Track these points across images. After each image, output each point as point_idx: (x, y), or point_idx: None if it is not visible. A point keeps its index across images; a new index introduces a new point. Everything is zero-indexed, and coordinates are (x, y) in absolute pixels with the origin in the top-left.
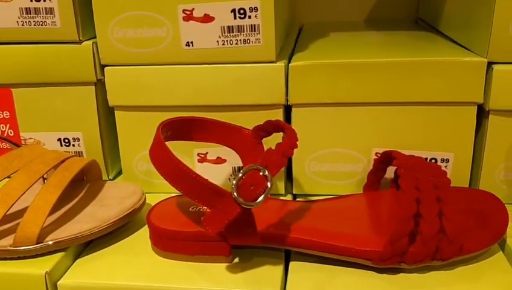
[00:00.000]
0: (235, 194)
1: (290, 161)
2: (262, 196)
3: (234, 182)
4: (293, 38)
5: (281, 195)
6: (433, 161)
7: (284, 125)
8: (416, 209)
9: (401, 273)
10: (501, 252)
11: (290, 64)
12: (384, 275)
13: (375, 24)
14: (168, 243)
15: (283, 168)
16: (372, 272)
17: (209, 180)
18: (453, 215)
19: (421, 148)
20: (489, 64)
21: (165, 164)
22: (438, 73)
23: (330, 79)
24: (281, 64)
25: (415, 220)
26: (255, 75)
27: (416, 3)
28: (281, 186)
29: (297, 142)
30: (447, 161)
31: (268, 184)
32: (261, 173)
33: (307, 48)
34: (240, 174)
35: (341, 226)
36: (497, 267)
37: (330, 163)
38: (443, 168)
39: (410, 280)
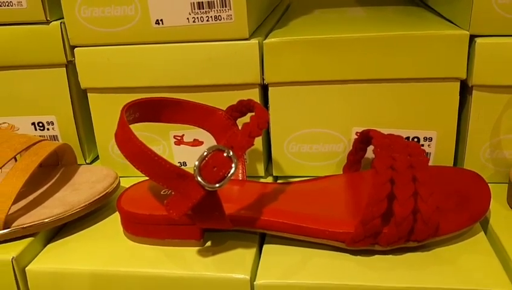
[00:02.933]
0: (198, 177)
1: (269, 142)
2: (227, 177)
3: (196, 163)
4: (278, 16)
5: (261, 177)
6: (415, 139)
7: (254, 104)
8: (390, 190)
9: (376, 255)
10: (482, 232)
11: (264, 42)
12: (359, 257)
13: (365, 0)
14: (139, 228)
15: (262, 148)
16: (347, 254)
17: (186, 162)
18: (429, 196)
19: (403, 126)
20: (472, 37)
21: (128, 146)
22: (418, 48)
23: (307, 56)
24: (254, 41)
25: (389, 201)
26: (228, 53)
27: None
28: (260, 169)
29: (267, 122)
30: (430, 139)
31: (233, 165)
32: (225, 154)
33: (287, 25)
34: (202, 156)
35: (316, 208)
36: (477, 248)
37: (310, 144)
38: (426, 147)
39: (385, 261)
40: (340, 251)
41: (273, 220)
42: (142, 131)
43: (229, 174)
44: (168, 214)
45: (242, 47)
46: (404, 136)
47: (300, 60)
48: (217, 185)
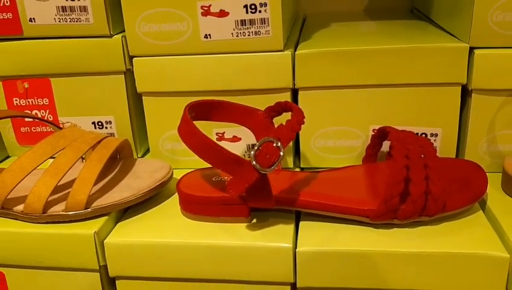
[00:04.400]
0: (253, 162)
1: (297, 138)
2: (276, 163)
3: (252, 152)
4: (298, 28)
5: (291, 168)
6: (423, 135)
7: (292, 105)
8: (406, 174)
9: (395, 228)
10: (481, 211)
11: (296, 53)
12: (380, 229)
13: (373, 14)
14: (196, 207)
15: (291, 144)
16: (370, 227)
17: None
18: (438, 179)
19: (412, 124)
20: (471, 49)
21: (192, 138)
22: (426, 58)
23: (332, 65)
24: (288, 52)
25: (405, 183)
26: (265, 62)
27: None
28: (290, 161)
29: (303, 120)
30: (436, 135)
31: (281, 153)
32: (274, 145)
33: (311, 38)
34: (257, 146)
35: (343, 191)
36: (476, 223)
37: (333, 139)
38: (432, 141)
39: (402, 232)
40: (365, 225)
41: (309, 200)
42: None
43: (278, 160)
44: (228, 193)
45: (277, 57)
46: (414, 132)
47: (325, 68)
48: (269, 169)
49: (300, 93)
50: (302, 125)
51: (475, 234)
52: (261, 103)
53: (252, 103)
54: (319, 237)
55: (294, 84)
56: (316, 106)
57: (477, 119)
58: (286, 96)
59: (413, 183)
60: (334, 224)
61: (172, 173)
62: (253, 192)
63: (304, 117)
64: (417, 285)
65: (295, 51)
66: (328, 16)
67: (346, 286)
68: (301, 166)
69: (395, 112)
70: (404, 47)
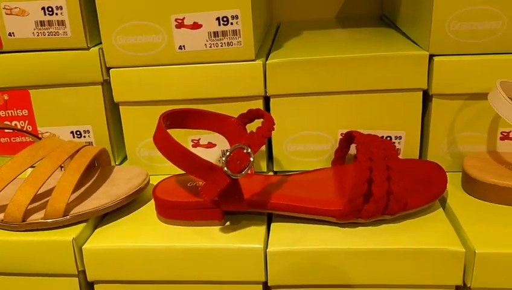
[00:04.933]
0: (225, 168)
1: (270, 143)
2: (247, 168)
3: (223, 159)
4: (271, 37)
5: (264, 172)
6: (388, 138)
7: (263, 112)
8: (369, 176)
9: (359, 227)
10: (441, 209)
11: (267, 62)
12: (346, 228)
13: (344, 21)
14: (171, 212)
15: (264, 149)
16: (337, 227)
17: None
18: (399, 180)
19: (378, 128)
20: (431, 56)
21: (167, 146)
22: (389, 65)
23: (301, 73)
24: (259, 62)
25: (369, 184)
26: (238, 72)
27: (381, 1)
28: (263, 165)
29: (274, 126)
30: (400, 138)
31: (251, 159)
32: (244, 151)
33: (282, 46)
34: (229, 152)
35: (312, 193)
36: (436, 220)
37: (304, 144)
38: (396, 144)
39: (366, 231)
40: (332, 225)
41: (279, 203)
42: None
43: (249, 166)
44: (202, 198)
45: (249, 67)
46: (380, 136)
47: (295, 77)
48: (240, 174)
49: (272, 100)
50: (274, 131)
51: (434, 230)
52: (234, 110)
53: (225, 111)
54: (288, 238)
55: (266, 92)
56: (287, 113)
57: (438, 122)
58: (258, 104)
59: (375, 184)
60: (304, 224)
61: (149, 180)
62: (226, 196)
63: (273, 124)
64: (381, 280)
65: (266, 60)
66: (300, 24)
67: (315, 283)
68: (274, 170)
69: (362, 117)
70: (369, 56)
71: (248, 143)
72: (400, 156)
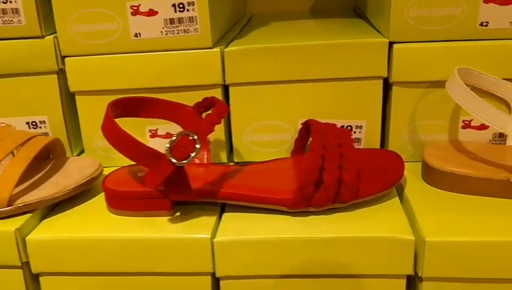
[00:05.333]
0: (168, 155)
1: (230, 133)
2: (192, 155)
3: (168, 145)
4: (240, 27)
5: (225, 163)
6: (349, 127)
7: (215, 100)
8: (321, 164)
9: (311, 216)
10: (397, 198)
11: (225, 50)
12: (298, 217)
13: (316, 13)
14: (120, 202)
15: (224, 138)
16: (289, 216)
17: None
18: (351, 168)
19: (339, 117)
20: (391, 43)
21: (113, 134)
22: (348, 53)
23: (260, 61)
24: (217, 50)
25: (320, 172)
26: (195, 59)
27: None
28: (223, 156)
29: (225, 114)
30: (361, 127)
31: (197, 146)
32: (190, 138)
33: (247, 35)
34: (173, 139)
35: (265, 182)
36: (390, 208)
37: (264, 134)
38: (358, 133)
39: (318, 219)
40: (284, 214)
41: (229, 192)
42: (122, 127)
43: (194, 153)
44: (145, 186)
45: (207, 54)
46: (340, 125)
47: (254, 65)
48: (184, 161)
49: (231, 89)
50: (234, 121)
51: (386, 218)
52: (193, 99)
53: (184, 100)
54: (238, 227)
55: (224, 81)
56: (246, 102)
57: (398, 110)
58: (217, 92)
59: (326, 171)
60: (256, 214)
61: (102, 170)
62: (171, 185)
63: (225, 111)
64: (330, 269)
65: (226, 48)
66: (273, 16)
67: (264, 273)
68: (235, 160)
69: (322, 106)
70: (327, 43)
71: (195, 130)
72: (361, 146)
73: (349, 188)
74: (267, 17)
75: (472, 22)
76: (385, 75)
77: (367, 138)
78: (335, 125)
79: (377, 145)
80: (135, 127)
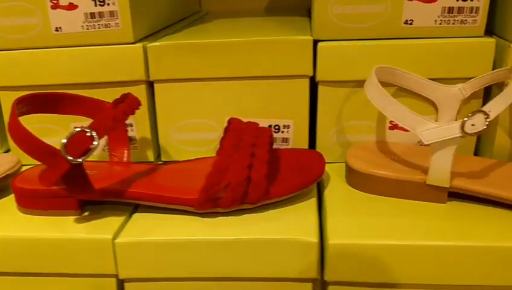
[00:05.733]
0: (63, 152)
1: (157, 131)
2: (89, 152)
3: (63, 141)
4: (187, 23)
5: (152, 162)
6: (276, 127)
7: (128, 96)
8: (229, 163)
9: (220, 217)
10: (315, 199)
11: (148, 45)
12: (206, 218)
13: (269, 12)
14: (28, 201)
15: (150, 136)
16: (197, 217)
17: None
18: (260, 167)
19: (266, 116)
20: (316, 41)
21: (15, 132)
22: (273, 51)
23: (185, 58)
24: (139, 45)
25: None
26: (117, 55)
27: None
28: (150, 155)
29: (133, 110)
30: (288, 127)
31: (94, 143)
32: (88, 134)
33: (182, 32)
34: (70, 135)
35: (179, 182)
36: (303, 209)
37: (191, 132)
38: (286, 133)
39: (226, 221)
40: (193, 215)
41: (136, 191)
42: (46, 124)
43: (91, 150)
44: (41, 184)
45: (129, 50)
46: (267, 124)
47: (179, 61)
48: (80, 159)
49: (156, 86)
50: (160, 119)
51: (295, 220)
52: (116, 95)
53: (107, 96)
54: (142, 228)
55: (148, 77)
56: (172, 99)
57: (325, 110)
58: (141, 89)
59: (234, 171)
60: (166, 215)
61: (20, 167)
62: (70, 183)
63: (135, 107)
64: (233, 272)
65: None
66: (227, 13)
67: (169, 275)
68: (162, 159)
69: (249, 105)
70: (252, 40)
71: (93, 126)
72: (289, 146)
73: (257, 188)
74: (221, 15)
75: (396, 20)
76: (310, 73)
77: (295, 137)
78: (256, 124)
79: (305, 145)
80: (59, 122)
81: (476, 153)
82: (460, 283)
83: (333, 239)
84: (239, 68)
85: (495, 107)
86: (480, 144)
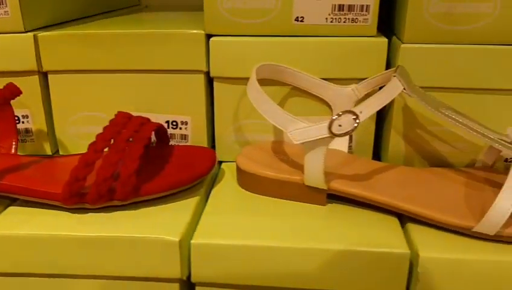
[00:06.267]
0: None
1: (52, 123)
2: None
3: None
4: (115, 15)
5: (48, 156)
6: (174, 123)
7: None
8: (99, 157)
9: (91, 213)
10: (199, 197)
11: (38, 35)
12: (76, 214)
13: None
14: None
15: (46, 128)
16: (68, 212)
17: None
18: (130, 163)
19: (163, 112)
20: (209, 36)
21: None
22: (165, 44)
23: (77, 48)
24: (30, 34)
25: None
26: (7, 44)
27: None
28: (47, 148)
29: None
30: (186, 123)
31: None
32: None
33: (89, 22)
34: None
35: (53, 175)
36: (179, 208)
37: (87, 125)
38: (184, 130)
39: (95, 217)
40: (65, 210)
41: (4, 183)
42: None
43: None
44: None
45: (18, 39)
46: (165, 120)
47: (73, 51)
48: None
49: (50, 76)
50: (56, 110)
51: (163, 219)
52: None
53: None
54: (10, 223)
55: (41, 67)
56: (67, 90)
57: (222, 108)
58: (34, 80)
59: (101, 165)
60: (40, 209)
61: None
62: None
63: (15, 94)
64: (98, 270)
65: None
66: (166, 7)
67: (30, 271)
68: (60, 153)
69: (145, 99)
70: (143, 32)
71: None
72: (188, 143)
73: (126, 185)
74: (159, 8)
75: (287, 17)
76: (204, 69)
77: (194, 134)
78: (145, 119)
79: (204, 143)
80: None
81: (378, 157)
82: (325, 287)
83: (196, 239)
84: (134, 61)
85: (367, 108)
86: (380, 147)
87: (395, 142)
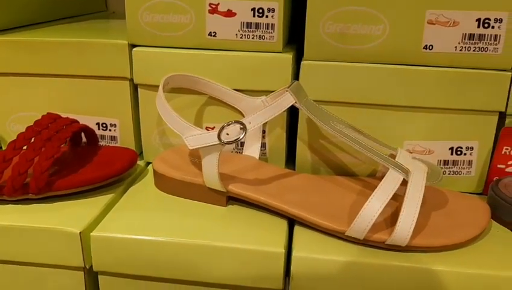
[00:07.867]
0: None
1: None
2: None
3: None
4: (72, 22)
5: None
6: (104, 125)
7: None
8: (16, 155)
9: (9, 204)
10: (114, 194)
11: None
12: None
13: None
14: None
15: None
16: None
17: None
18: (43, 161)
19: (92, 114)
20: (132, 46)
21: None
22: (88, 52)
23: (13, 53)
24: None
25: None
26: None
27: None
28: None
29: None
30: (115, 125)
31: None
32: None
33: (38, 28)
34: None
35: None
36: (92, 203)
37: (24, 124)
38: (113, 131)
39: (12, 208)
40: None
41: None
42: None
43: None
44: None
45: None
46: (95, 122)
47: (10, 56)
48: None
49: None
50: None
51: (71, 212)
52: None
53: None
54: None
55: None
56: (6, 92)
57: (146, 112)
58: None
59: (17, 163)
60: None
61: None
62: None
63: None
64: (10, 256)
65: None
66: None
67: None
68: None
69: (76, 102)
70: (69, 40)
71: None
72: (117, 144)
73: (38, 180)
74: (123, 14)
75: (201, 32)
76: (129, 76)
77: (123, 136)
78: (73, 120)
79: (131, 145)
80: None
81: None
82: (214, 281)
83: (96, 231)
84: (64, 66)
85: (256, 119)
86: (294, 157)
87: (301, 151)
